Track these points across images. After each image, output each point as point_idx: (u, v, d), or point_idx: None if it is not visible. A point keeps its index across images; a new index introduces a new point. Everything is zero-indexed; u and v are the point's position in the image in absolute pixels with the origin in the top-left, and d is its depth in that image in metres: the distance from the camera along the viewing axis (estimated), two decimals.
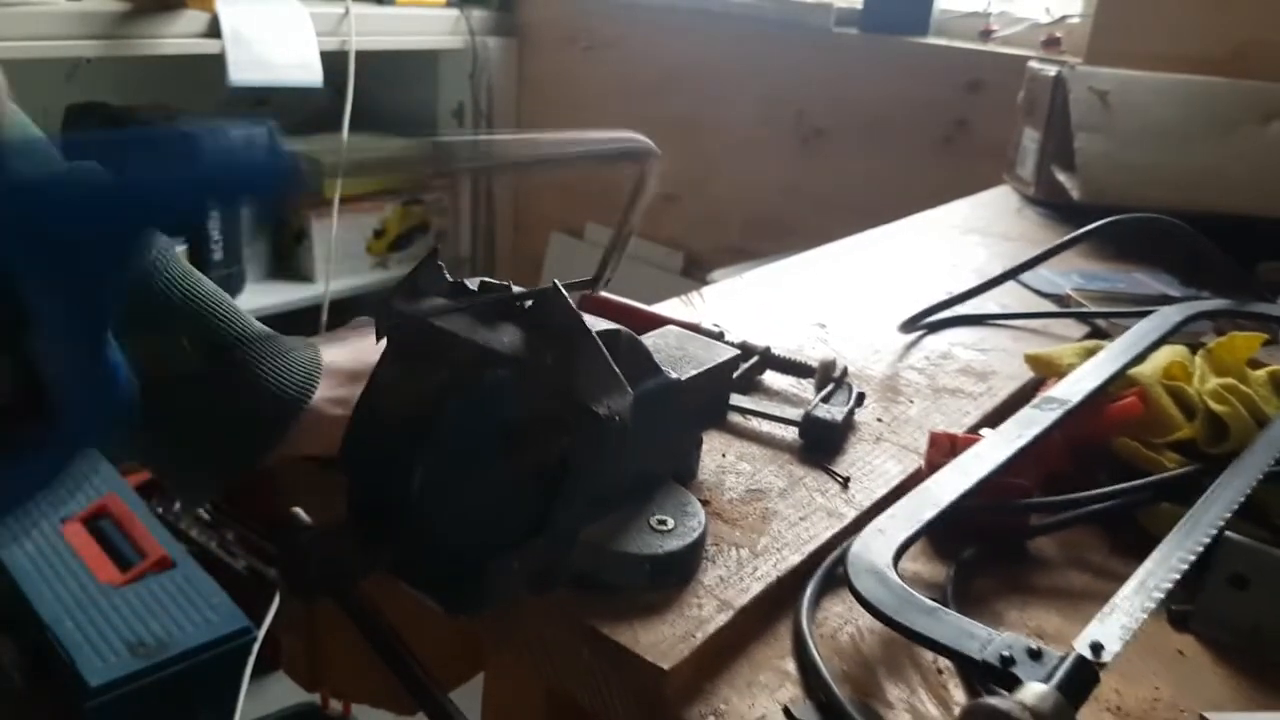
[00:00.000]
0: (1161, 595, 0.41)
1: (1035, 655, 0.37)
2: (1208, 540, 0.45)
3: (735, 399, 0.61)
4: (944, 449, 0.54)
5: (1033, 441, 0.52)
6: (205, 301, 0.49)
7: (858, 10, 1.74)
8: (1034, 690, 0.35)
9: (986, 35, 1.66)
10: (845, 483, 0.55)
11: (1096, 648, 0.37)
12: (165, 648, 1.20)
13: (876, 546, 0.44)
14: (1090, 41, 1.37)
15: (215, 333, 0.48)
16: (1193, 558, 0.44)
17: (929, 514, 0.46)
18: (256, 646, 1.27)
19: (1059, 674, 0.36)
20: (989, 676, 0.37)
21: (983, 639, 0.38)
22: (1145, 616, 0.40)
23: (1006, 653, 0.37)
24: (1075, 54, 1.45)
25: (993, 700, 0.34)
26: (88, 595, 1.26)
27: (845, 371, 0.64)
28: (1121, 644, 0.38)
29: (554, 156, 0.41)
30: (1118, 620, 0.39)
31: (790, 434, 0.59)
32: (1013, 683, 0.36)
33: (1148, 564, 0.43)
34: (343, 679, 0.69)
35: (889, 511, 0.47)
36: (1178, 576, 0.43)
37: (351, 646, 0.57)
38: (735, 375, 0.63)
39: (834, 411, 0.59)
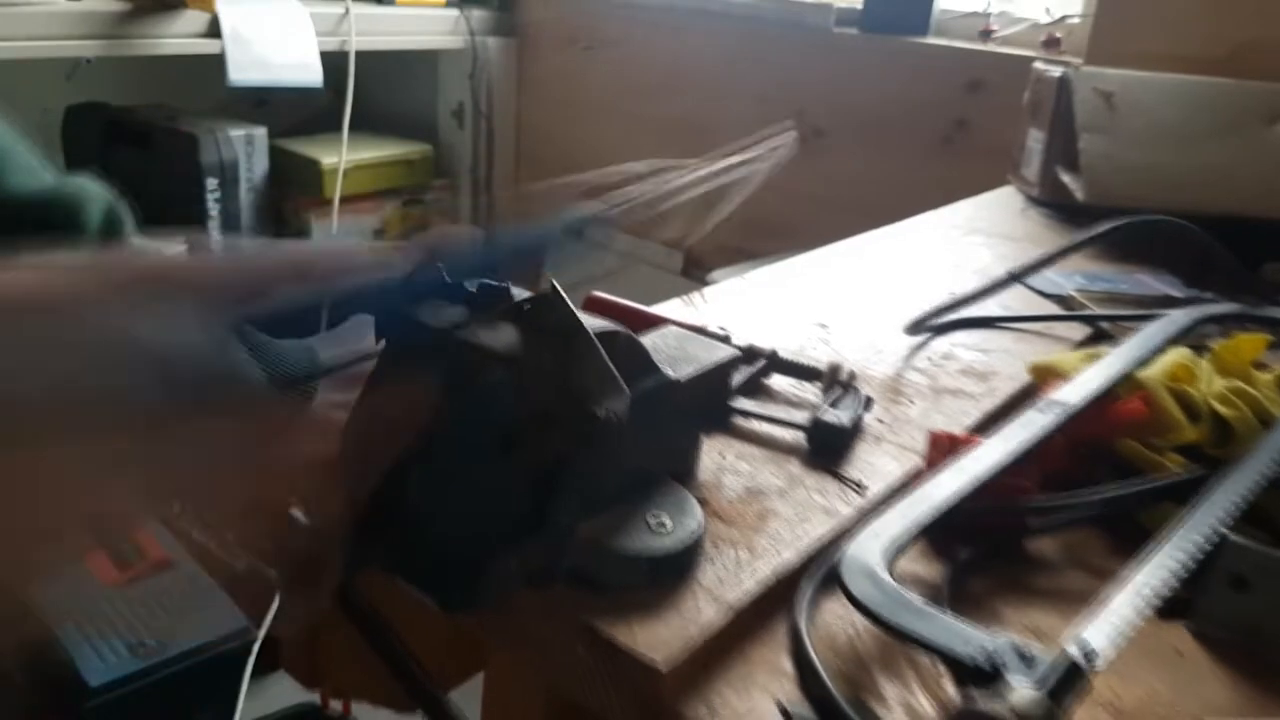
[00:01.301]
0: (1155, 598, 0.41)
1: (1025, 658, 0.37)
2: (1203, 542, 0.45)
3: (741, 403, 0.61)
4: (943, 448, 0.54)
5: (1032, 443, 0.52)
6: None
7: (858, 10, 1.74)
8: (1022, 693, 0.35)
9: (986, 35, 1.66)
10: (859, 488, 0.54)
11: (1087, 651, 0.37)
12: (165, 648, 1.20)
13: (870, 547, 0.44)
14: (1090, 41, 1.37)
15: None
16: (1187, 559, 0.44)
17: (924, 515, 0.46)
18: (256, 646, 1.27)
19: (1048, 677, 0.36)
20: (978, 678, 0.37)
21: (972, 639, 0.38)
22: (1138, 619, 0.40)
23: (996, 655, 0.37)
24: (1075, 54, 1.45)
25: (980, 703, 0.34)
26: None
27: (853, 375, 0.64)
28: (1113, 647, 0.38)
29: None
30: (1109, 623, 0.39)
31: (791, 435, 0.59)
32: (1002, 685, 0.36)
33: (1142, 566, 0.43)
34: (343, 677, 0.69)
35: (884, 512, 0.47)
36: (1172, 579, 0.42)
37: (351, 644, 0.57)
38: (742, 379, 0.63)
39: (842, 416, 0.59)
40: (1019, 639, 0.38)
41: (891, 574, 0.42)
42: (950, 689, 0.42)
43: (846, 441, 0.58)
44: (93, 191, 0.47)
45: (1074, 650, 0.37)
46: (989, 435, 0.54)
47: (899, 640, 0.40)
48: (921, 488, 0.49)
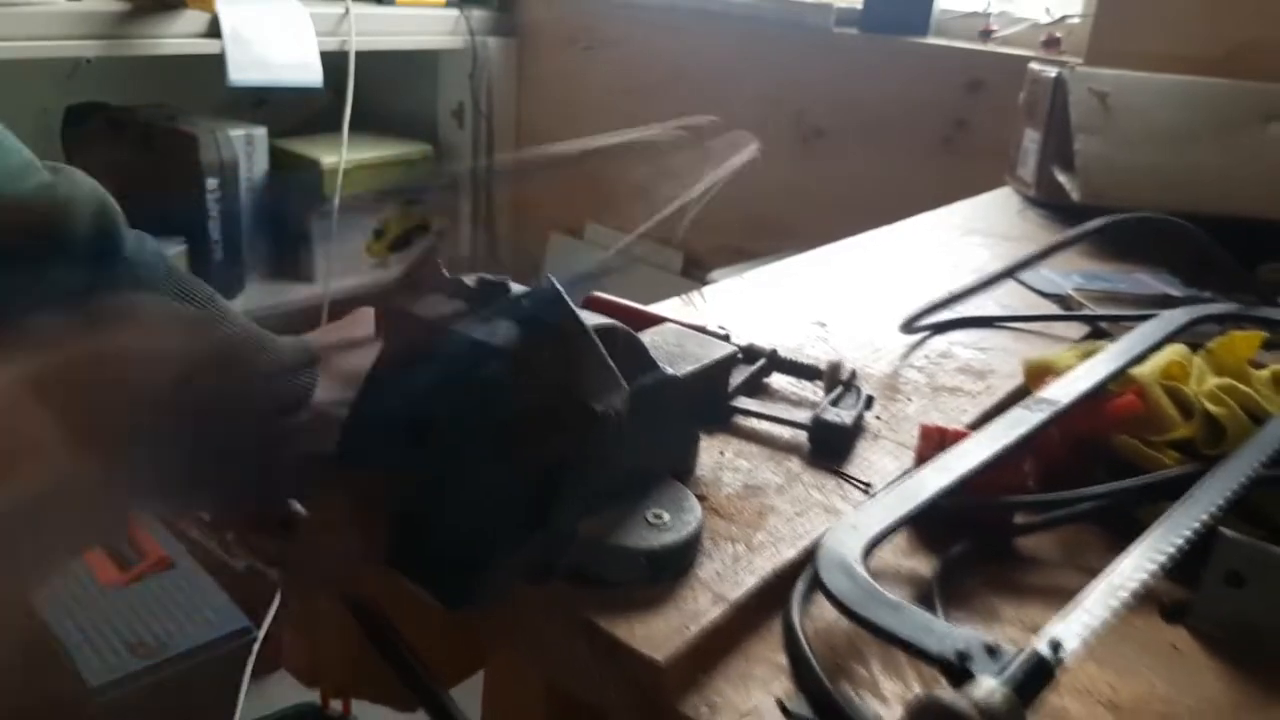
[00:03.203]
0: (1128, 594, 0.41)
1: (992, 652, 0.37)
2: (1181, 541, 0.45)
3: (742, 401, 0.61)
4: (933, 442, 0.54)
5: (1019, 441, 0.52)
6: (197, 302, 0.48)
7: (858, 10, 1.74)
8: (985, 686, 0.35)
9: (986, 35, 1.66)
10: (867, 488, 0.54)
11: (1056, 645, 0.37)
12: (165, 648, 1.21)
13: (848, 541, 0.44)
14: (1090, 42, 1.37)
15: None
16: (1163, 558, 0.44)
17: (904, 510, 0.47)
18: (256, 646, 1.27)
19: (1013, 670, 0.36)
20: (946, 672, 0.37)
21: (941, 634, 0.38)
22: (1110, 616, 0.40)
23: (963, 648, 0.37)
24: (1075, 54, 1.45)
25: (941, 694, 0.35)
26: (88, 595, 1.27)
27: (854, 374, 0.64)
28: (1081, 642, 0.38)
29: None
30: (1080, 618, 0.39)
31: (790, 433, 0.59)
32: (968, 678, 0.36)
33: (1117, 565, 0.43)
34: (343, 675, 0.69)
35: (865, 506, 0.47)
36: (1146, 576, 0.42)
37: (351, 644, 0.57)
38: (742, 378, 0.63)
39: (843, 415, 0.59)
40: (987, 635, 0.38)
41: (868, 567, 0.42)
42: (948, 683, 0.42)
43: (848, 440, 0.59)
44: (83, 192, 0.45)
45: (1041, 645, 0.37)
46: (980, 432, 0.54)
47: (869, 633, 0.40)
48: (904, 483, 0.49)
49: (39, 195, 0.44)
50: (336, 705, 1.41)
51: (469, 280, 0.46)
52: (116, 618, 1.25)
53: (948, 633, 0.38)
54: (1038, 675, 0.36)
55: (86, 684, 1.14)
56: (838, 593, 0.41)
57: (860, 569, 0.42)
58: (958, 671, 0.37)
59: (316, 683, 0.71)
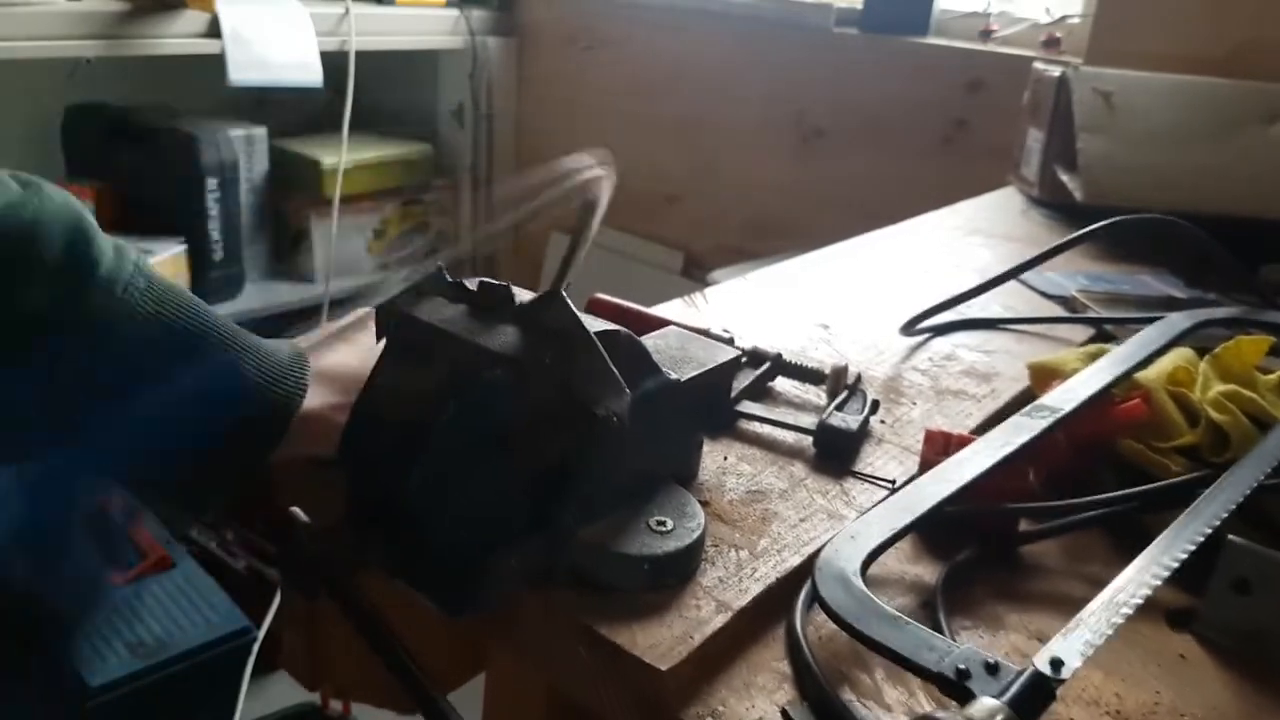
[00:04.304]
0: (1130, 611, 0.41)
1: (992, 669, 0.37)
2: (1183, 555, 0.44)
3: (747, 406, 0.60)
4: (938, 447, 0.54)
5: (1020, 449, 0.52)
6: (180, 312, 0.46)
7: (858, 10, 1.74)
8: (984, 705, 0.34)
9: (986, 35, 1.66)
10: (893, 486, 0.54)
11: (1056, 664, 0.37)
12: (165, 648, 1.20)
13: (846, 552, 0.43)
14: (1090, 41, 1.37)
15: (192, 342, 0.45)
16: (1166, 571, 0.43)
17: (904, 521, 0.46)
18: (256, 646, 1.27)
19: (1013, 689, 0.36)
20: (945, 688, 0.37)
21: (941, 650, 0.38)
22: (1110, 631, 0.39)
23: (963, 665, 0.37)
24: (1075, 54, 1.45)
25: (939, 713, 0.34)
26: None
27: (859, 378, 0.64)
28: (1082, 660, 0.38)
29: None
30: (1081, 636, 0.39)
31: (793, 438, 0.59)
32: (968, 696, 0.36)
33: (1119, 580, 0.43)
34: (343, 677, 0.69)
35: (865, 517, 0.47)
36: (1149, 590, 0.42)
37: (352, 644, 0.57)
38: (747, 382, 0.62)
39: (849, 420, 0.59)
40: (987, 651, 0.38)
41: (867, 579, 0.42)
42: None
43: (854, 445, 0.58)
44: (53, 210, 0.42)
45: (1041, 663, 0.37)
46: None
47: (868, 648, 0.40)
48: (904, 493, 0.49)
49: (4, 215, 0.41)
50: (336, 705, 1.41)
51: (470, 284, 0.46)
52: (116, 618, 1.24)
53: (947, 650, 0.38)
54: (1038, 694, 0.36)
55: (86, 684, 1.14)
56: (836, 606, 0.41)
57: (858, 582, 0.42)
58: (958, 690, 0.36)
59: (316, 683, 0.71)
